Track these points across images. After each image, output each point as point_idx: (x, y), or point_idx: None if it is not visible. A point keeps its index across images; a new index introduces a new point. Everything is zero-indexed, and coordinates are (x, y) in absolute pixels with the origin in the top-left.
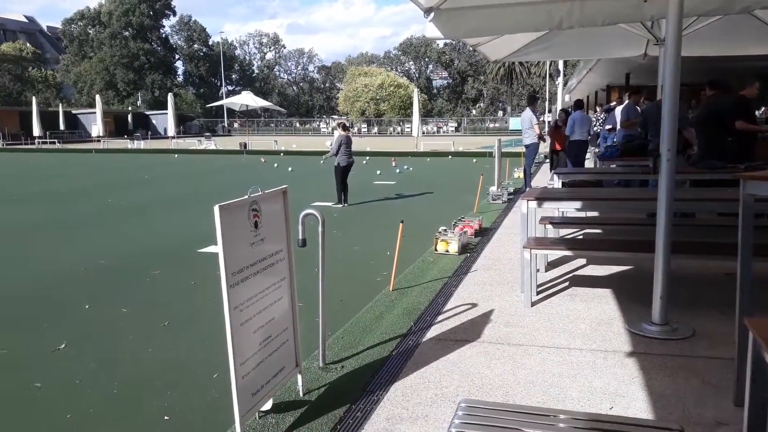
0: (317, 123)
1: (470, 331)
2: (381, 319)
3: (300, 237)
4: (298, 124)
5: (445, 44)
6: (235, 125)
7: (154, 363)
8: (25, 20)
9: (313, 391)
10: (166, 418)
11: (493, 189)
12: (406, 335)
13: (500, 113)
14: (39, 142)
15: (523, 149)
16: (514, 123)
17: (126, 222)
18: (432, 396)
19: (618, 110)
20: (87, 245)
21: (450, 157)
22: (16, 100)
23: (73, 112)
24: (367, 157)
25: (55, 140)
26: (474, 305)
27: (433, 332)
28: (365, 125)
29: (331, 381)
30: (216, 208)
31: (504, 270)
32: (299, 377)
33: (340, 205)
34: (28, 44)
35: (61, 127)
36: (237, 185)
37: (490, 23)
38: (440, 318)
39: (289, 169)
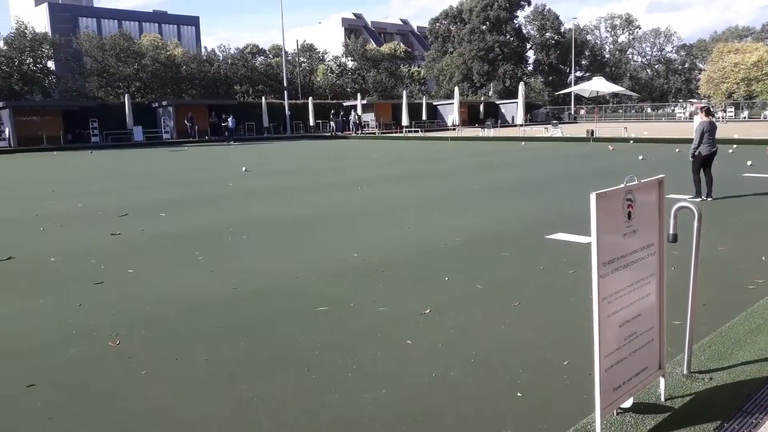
0: (672, 108)
1: None
2: (759, 332)
3: (671, 232)
4: (649, 110)
5: None
6: (582, 112)
7: (506, 339)
8: (400, 23)
9: (676, 399)
10: (519, 395)
11: None
12: None
13: None
14: (405, 131)
15: None
16: None
17: (477, 203)
18: None
19: None
20: (447, 222)
21: None
22: (389, 94)
23: (434, 103)
24: (734, 146)
25: (418, 129)
26: None
27: None
28: (732, 109)
29: (697, 392)
30: (593, 196)
31: None
32: (662, 381)
33: (698, 199)
34: (401, 44)
35: (423, 117)
36: (583, 174)
37: None
38: None
39: (640, 157)
